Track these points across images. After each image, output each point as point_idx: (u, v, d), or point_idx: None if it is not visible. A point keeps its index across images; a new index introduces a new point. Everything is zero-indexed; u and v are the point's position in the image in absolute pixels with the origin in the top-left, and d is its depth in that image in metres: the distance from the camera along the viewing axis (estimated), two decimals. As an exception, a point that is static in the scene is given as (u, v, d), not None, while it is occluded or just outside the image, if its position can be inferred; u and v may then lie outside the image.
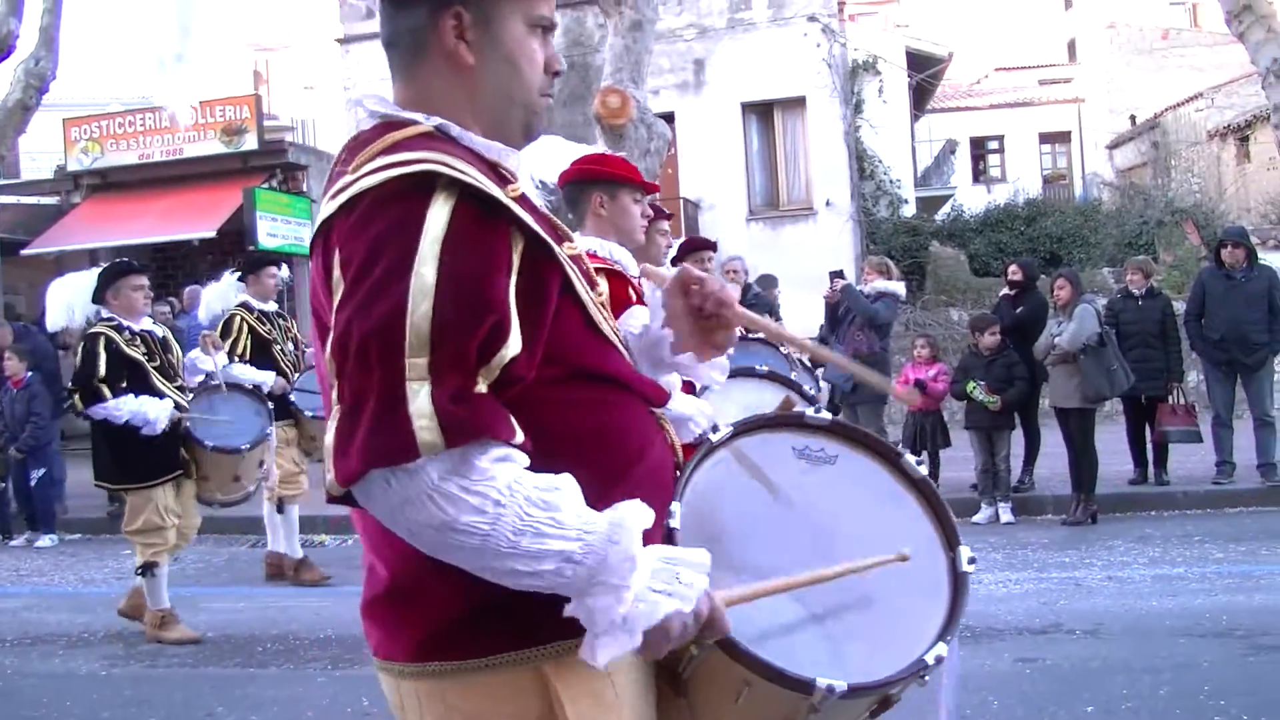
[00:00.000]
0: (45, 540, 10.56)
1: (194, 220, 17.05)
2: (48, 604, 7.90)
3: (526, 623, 1.59)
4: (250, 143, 18.01)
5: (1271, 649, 5.36)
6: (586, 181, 3.89)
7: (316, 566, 8.16)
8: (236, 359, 7.66)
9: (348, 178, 1.59)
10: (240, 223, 16.76)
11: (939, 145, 31.87)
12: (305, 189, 18.64)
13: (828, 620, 1.74)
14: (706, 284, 1.86)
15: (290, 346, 8.19)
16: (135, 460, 6.44)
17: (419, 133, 1.65)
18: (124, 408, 6.28)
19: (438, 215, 1.51)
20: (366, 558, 1.74)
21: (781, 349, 5.50)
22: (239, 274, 8.17)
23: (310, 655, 6.23)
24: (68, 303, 6.77)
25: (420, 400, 1.44)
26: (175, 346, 6.88)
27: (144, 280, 6.66)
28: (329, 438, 1.48)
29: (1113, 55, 35.10)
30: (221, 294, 8.14)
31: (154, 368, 6.47)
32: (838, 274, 10.48)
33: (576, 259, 1.74)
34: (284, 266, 8.56)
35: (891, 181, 21.54)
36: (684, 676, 1.71)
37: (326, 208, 1.61)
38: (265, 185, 17.66)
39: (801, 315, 12.46)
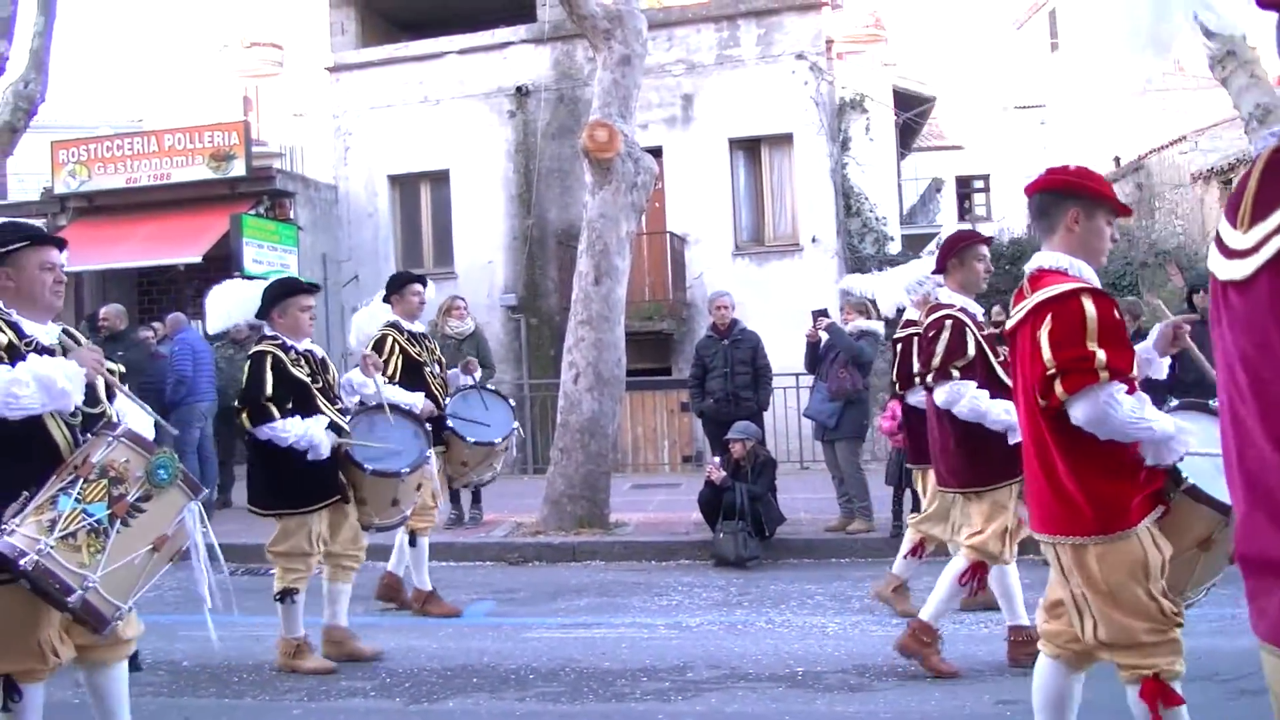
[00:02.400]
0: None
1: (180, 245, 17.04)
2: (21, 630, 7.80)
3: None
4: (238, 169, 18.03)
5: (1254, 693, 5.35)
6: (1065, 194, 3.76)
7: (444, 600, 8.04)
8: (386, 380, 7.51)
9: None
10: (226, 248, 16.74)
11: (925, 183, 32.09)
12: (292, 216, 18.64)
13: None
14: None
15: (436, 368, 8.05)
16: (292, 485, 6.30)
17: None
18: (291, 430, 6.12)
19: None
20: None
21: None
22: (384, 296, 8.05)
23: (286, 687, 6.17)
24: (227, 310, 6.64)
25: None
26: (333, 368, 6.76)
27: (312, 301, 6.53)
28: None
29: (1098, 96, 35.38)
30: (371, 316, 8.00)
31: (317, 389, 6.33)
32: (821, 313, 10.51)
33: None
34: (429, 284, 8.33)
35: (877, 219, 21.64)
36: None
37: None
38: (252, 212, 17.66)
39: (786, 351, 12.49)
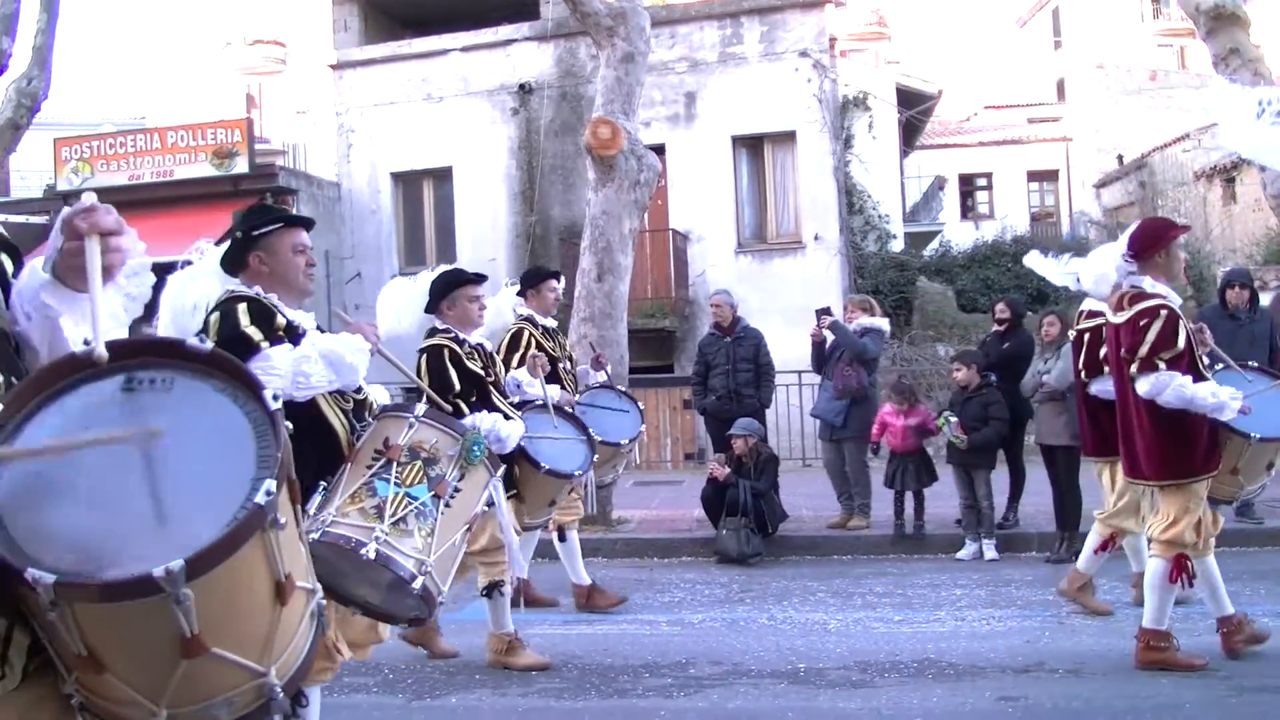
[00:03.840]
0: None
1: (182, 243, 16.89)
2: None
3: None
4: (241, 166, 18.06)
5: (1254, 690, 5.36)
6: None
7: (608, 590, 8.02)
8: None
9: None
10: (229, 246, 16.73)
11: (928, 181, 32.07)
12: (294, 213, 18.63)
13: None
14: None
15: (569, 364, 7.91)
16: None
17: None
18: (481, 426, 5.68)
19: None
20: None
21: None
22: (517, 288, 7.83)
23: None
24: (396, 310, 6.40)
25: None
26: (499, 362, 6.59)
27: (480, 290, 6.31)
28: None
29: (1101, 95, 35.38)
30: (497, 307, 7.64)
31: (489, 383, 6.11)
32: (825, 311, 10.51)
33: None
34: (563, 280, 8.16)
35: (880, 216, 21.66)
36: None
37: None
38: (255, 209, 17.65)
39: (789, 349, 12.49)
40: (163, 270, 4.38)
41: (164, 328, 4.11)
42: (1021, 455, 10.17)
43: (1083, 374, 7.22)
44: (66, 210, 2.06)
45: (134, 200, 18.20)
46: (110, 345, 1.89)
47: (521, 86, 19.51)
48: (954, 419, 9.36)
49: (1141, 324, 5.71)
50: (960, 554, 9.47)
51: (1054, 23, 42.11)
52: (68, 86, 20.77)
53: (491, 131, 19.69)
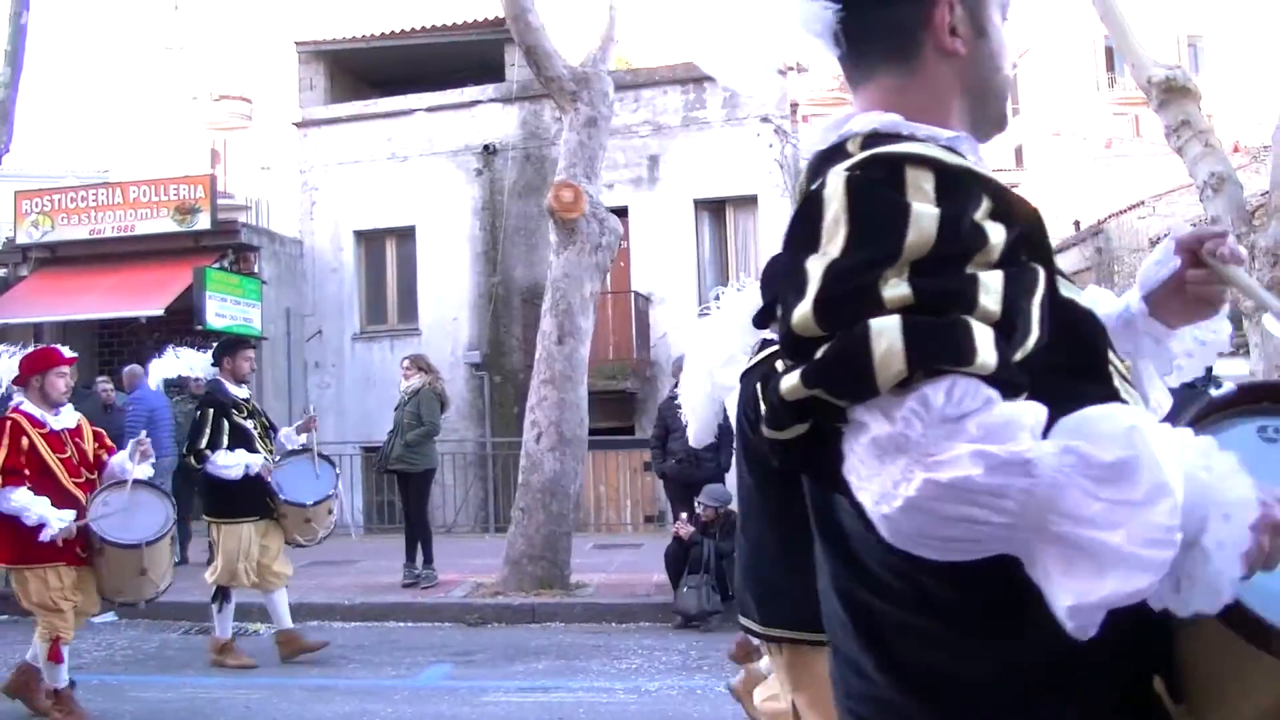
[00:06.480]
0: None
1: (142, 298, 16.95)
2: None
3: None
4: (203, 222, 17.99)
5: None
6: None
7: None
8: None
9: None
10: (189, 302, 16.67)
11: (888, 245, 32.36)
12: (256, 270, 18.60)
13: None
14: None
15: None
16: None
17: None
18: None
19: None
20: None
21: None
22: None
23: (237, 751, 6.08)
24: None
25: None
26: None
27: None
28: None
29: (1058, 162, 36.01)
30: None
31: None
32: None
33: None
34: None
35: (841, 280, 21.84)
36: None
37: None
38: (216, 265, 17.60)
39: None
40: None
41: (690, 378, 4.12)
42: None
43: None
44: (1192, 232, 1.90)
45: (94, 255, 18.14)
46: (1242, 388, 1.71)
47: (486, 147, 19.62)
48: None
49: None
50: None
51: (1012, 90, 42.92)
52: (31, 138, 20.67)
53: (455, 192, 19.75)
